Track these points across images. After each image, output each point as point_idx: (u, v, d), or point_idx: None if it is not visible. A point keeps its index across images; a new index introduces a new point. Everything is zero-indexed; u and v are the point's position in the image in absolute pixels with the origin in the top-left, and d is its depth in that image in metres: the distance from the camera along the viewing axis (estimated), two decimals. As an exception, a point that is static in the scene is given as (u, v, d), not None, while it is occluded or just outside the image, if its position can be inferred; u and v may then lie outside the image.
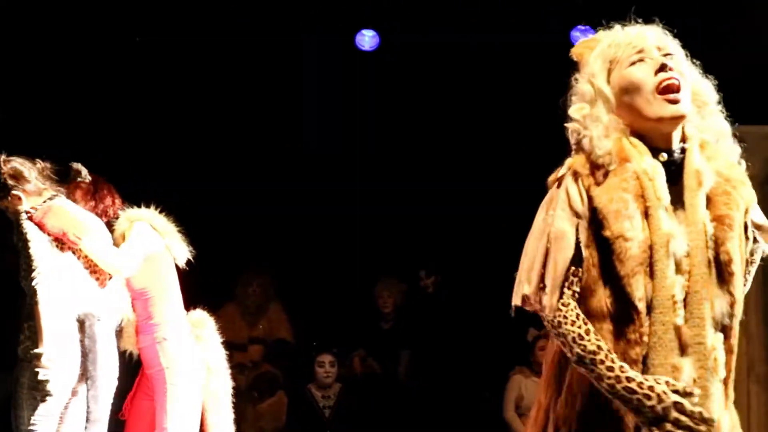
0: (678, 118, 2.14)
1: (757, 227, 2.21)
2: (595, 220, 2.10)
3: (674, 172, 2.14)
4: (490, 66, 6.42)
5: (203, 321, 4.27)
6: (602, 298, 2.08)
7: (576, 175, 2.14)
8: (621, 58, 2.18)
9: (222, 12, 6.13)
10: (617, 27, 2.26)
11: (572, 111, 2.20)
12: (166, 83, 6.51)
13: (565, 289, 2.08)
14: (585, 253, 2.10)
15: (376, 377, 6.63)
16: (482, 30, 6.20)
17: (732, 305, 2.09)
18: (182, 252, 4.21)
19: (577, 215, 2.11)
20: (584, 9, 5.89)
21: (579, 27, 6.09)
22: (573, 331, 2.04)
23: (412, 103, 6.71)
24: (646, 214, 2.08)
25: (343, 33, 6.45)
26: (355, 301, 6.87)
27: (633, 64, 2.16)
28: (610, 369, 2.00)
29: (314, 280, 6.98)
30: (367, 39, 6.49)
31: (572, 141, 2.21)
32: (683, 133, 2.18)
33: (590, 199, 2.11)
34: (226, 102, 6.69)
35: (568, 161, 2.19)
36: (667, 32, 2.25)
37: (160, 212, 4.25)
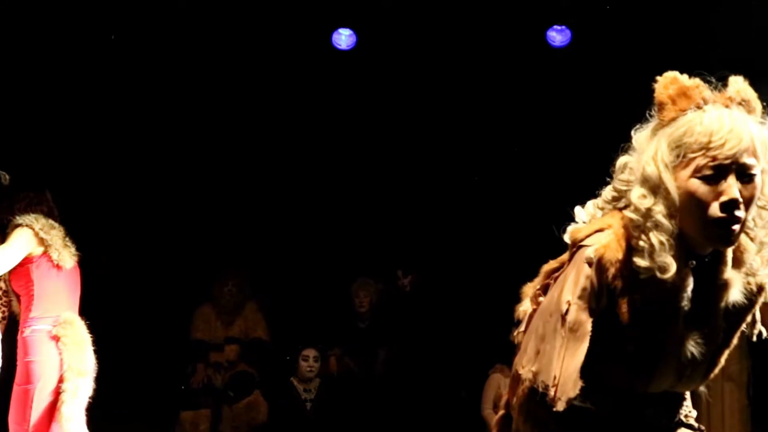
0: (726, 247, 2.04)
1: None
2: (613, 315, 2.02)
3: (707, 275, 2.06)
4: (467, 64, 6.43)
5: (70, 323, 4.48)
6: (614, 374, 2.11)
7: (601, 265, 2.01)
8: (696, 161, 1.95)
9: (195, 11, 6.10)
10: (702, 85, 2.04)
11: (635, 197, 2.01)
12: (142, 82, 6.47)
13: (579, 381, 2.01)
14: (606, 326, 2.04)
15: (352, 376, 6.64)
16: (459, 29, 6.20)
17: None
18: (67, 258, 4.55)
19: (595, 308, 2.01)
20: (567, 9, 5.90)
21: (555, 27, 6.11)
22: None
23: (389, 102, 6.71)
24: (666, 320, 2.03)
25: (320, 32, 6.44)
26: (332, 300, 6.86)
27: (701, 174, 1.95)
28: None
29: (291, 279, 6.97)
30: (343, 38, 6.47)
31: (629, 227, 2.04)
32: None
33: (613, 292, 2.01)
34: (206, 100, 6.66)
35: (600, 238, 2.03)
36: (759, 109, 2.04)
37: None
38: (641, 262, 1.97)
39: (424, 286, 6.82)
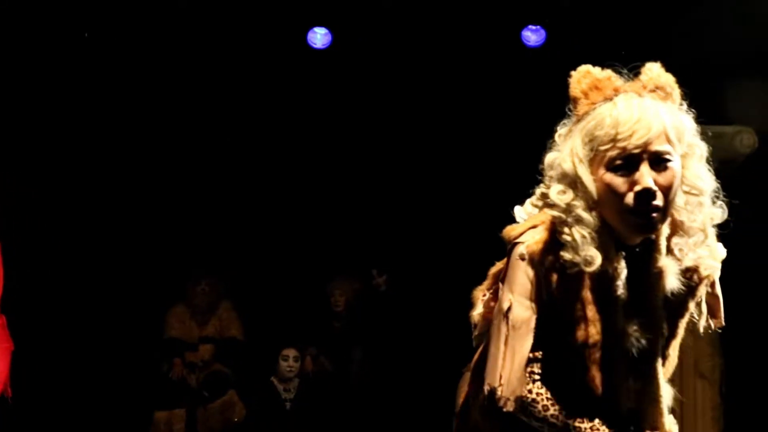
0: (647, 235, 2.04)
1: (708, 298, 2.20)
2: (554, 308, 2.04)
3: (640, 266, 2.06)
4: (442, 64, 6.44)
5: None
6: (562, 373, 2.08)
7: (534, 260, 2.04)
8: (607, 153, 1.97)
9: (170, 10, 6.06)
10: (614, 77, 2.06)
11: (554, 193, 2.04)
12: (111, 81, 6.42)
13: (525, 377, 2.05)
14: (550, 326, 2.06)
15: (328, 375, 6.63)
16: (435, 28, 6.21)
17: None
18: None
19: (537, 303, 2.04)
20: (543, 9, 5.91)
21: (530, 27, 6.12)
22: (541, 413, 2.04)
23: (364, 102, 6.71)
24: (604, 312, 2.03)
25: (295, 31, 6.42)
26: (308, 299, 6.85)
27: (617, 168, 1.97)
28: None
29: (267, 278, 6.96)
30: (319, 37, 6.46)
31: (552, 209, 2.06)
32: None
33: (549, 285, 2.04)
34: (180, 99, 6.62)
35: (533, 234, 2.06)
36: (675, 96, 2.06)
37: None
38: (567, 255, 1.99)
39: (400, 285, 6.82)
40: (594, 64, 2.08)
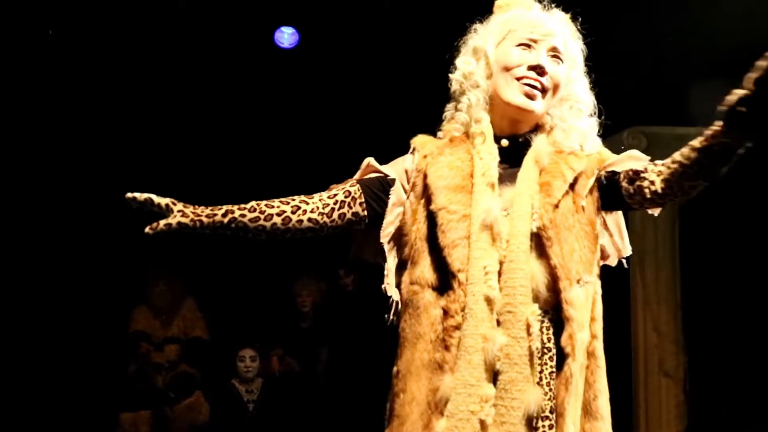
0: (526, 111, 2.25)
1: (624, 174, 2.22)
2: (426, 195, 2.24)
3: (520, 156, 2.25)
4: (409, 62, 6.44)
5: None
6: (426, 268, 2.20)
7: (414, 152, 2.37)
8: (515, 34, 2.28)
9: (135, 7, 6.02)
10: (536, 6, 2.35)
11: (459, 61, 2.36)
12: (79, 79, 6.37)
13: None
14: (412, 227, 2.25)
15: (295, 376, 6.62)
16: (401, 26, 6.22)
17: (551, 274, 2.11)
18: None
19: (403, 192, 2.32)
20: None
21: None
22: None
23: (331, 101, 6.70)
24: (472, 192, 2.19)
25: (262, 30, 6.40)
26: (274, 299, 6.83)
27: (519, 45, 2.27)
28: None
29: (233, 278, 6.93)
30: (286, 36, 6.45)
31: (451, 89, 2.37)
32: (538, 126, 2.30)
33: (424, 175, 2.27)
34: (143, 97, 6.58)
35: (419, 139, 2.42)
36: (575, 30, 2.35)
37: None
38: (461, 116, 2.32)
39: (367, 285, 6.82)
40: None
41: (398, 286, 2.36)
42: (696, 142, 2.07)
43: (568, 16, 2.38)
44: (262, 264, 6.89)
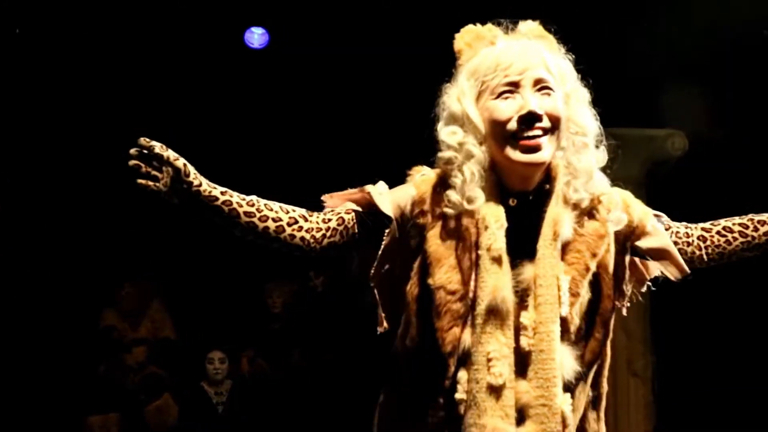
0: (534, 166, 2.00)
1: (651, 252, 2.10)
2: (423, 259, 2.02)
3: (533, 216, 2.02)
4: (379, 63, 6.44)
5: None
6: (418, 336, 2.04)
7: (413, 198, 2.07)
8: (490, 83, 2.01)
9: (105, 6, 5.98)
10: (499, 33, 2.11)
11: (444, 134, 2.05)
12: (52, 78, 6.31)
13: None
14: (406, 286, 2.05)
15: (265, 377, 6.59)
16: (371, 27, 6.22)
17: (582, 363, 2.00)
18: None
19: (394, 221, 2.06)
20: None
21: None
22: None
23: (301, 101, 6.68)
24: (477, 265, 1.97)
25: (232, 30, 6.37)
26: (244, 301, 6.80)
27: (501, 95, 2.00)
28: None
29: (203, 279, 6.90)
30: (256, 37, 6.43)
31: (440, 164, 2.08)
32: (550, 171, 2.05)
33: (422, 236, 2.03)
34: (112, 98, 6.53)
35: (419, 184, 2.10)
36: (554, 46, 2.10)
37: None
38: (453, 195, 2.00)
39: (337, 287, 6.81)
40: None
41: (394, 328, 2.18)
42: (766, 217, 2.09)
43: (537, 27, 2.13)
44: (232, 265, 6.86)
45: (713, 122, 6.14)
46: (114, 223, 6.76)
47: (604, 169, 2.11)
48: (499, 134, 1.98)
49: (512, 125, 1.97)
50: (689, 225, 2.16)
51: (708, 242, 2.12)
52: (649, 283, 2.16)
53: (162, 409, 6.39)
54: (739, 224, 2.12)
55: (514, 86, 1.98)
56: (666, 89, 5.78)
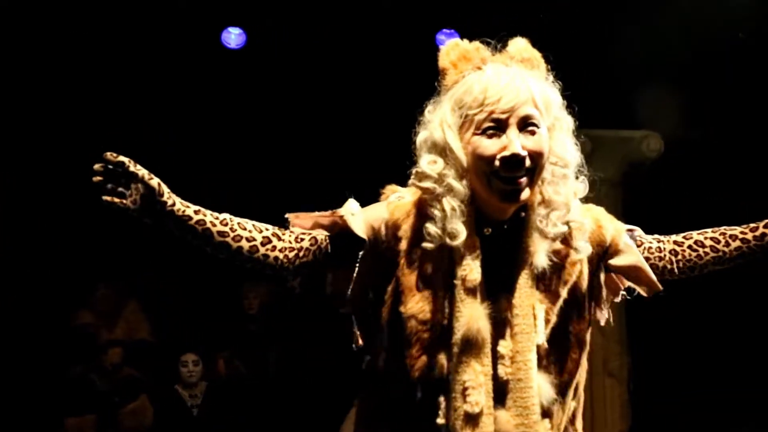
0: (512, 205, 1.99)
1: (623, 270, 2.11)
2: (396, 286, 2.02)
3: (508, 245, 2.01)
4: (355, 63, 6.44)
5: None
6: (388, 358, 2.05)
7: (387, 220, 2.06)
8: (476, 117, 1.95)
9: (84, 8, 5.94)
10: (487, 55, 2.05)
11: (425, 163, 2.01)
12: (23, 79, 6.26)
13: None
14: (380, 308, 2.06)
15: (242, 378, 6.57)
16: (347, 28, 6.21)
17: (558, 387, 2.02)
18: None
19: (368, 241, 2.04)
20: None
21: (444, 30, 6.17)
22: None
23: (278, 101, 6.67)
24: (451, 294, 1.97)
25: (209, 30, 6.35)
26: (221, 301, 6.78)
27: (484, 132, 1.95)
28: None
29: (180, 280, 6.86)
30: (233, 37, 6.41)
31: (416, 185, 2.05)
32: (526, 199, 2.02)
33: (395, 262, 2.02)
34: (91, 98, 6.48)
35: (393, 208, 2.08)
36: (542, 71, 2.04)
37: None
38: (432, 228, 1.97)
39: (314, 287, 6.79)
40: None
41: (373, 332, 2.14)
42: (741, 233, 2.10)
43: (525, 47, 2.06)
44: (208, 266, 6.83)
45: (689, 124, 6.18)
46: (88, 223, 6.70)
47: (582, 171, 2.11)
48: (481, 171, 1.95)
49: (495, 164, 1.93)
50: (661, 238, 2.16)
51: (680, 256, 2.12)
52: (624, 292, 2.18)
53: (138, 411, 6.35)
54: (711, 238, 2.11)
55: (499, 123, 1.94)
56: (642, 91, 5.82)
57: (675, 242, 2.13)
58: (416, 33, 6.20)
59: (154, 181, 1.99)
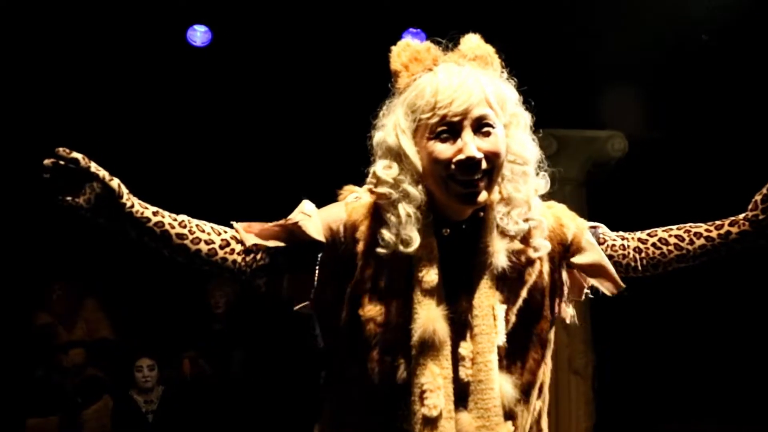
0: (470, 207, 1.96)
1: (585, 268, 2.10)
2: (354, 287, 2.00)
3: (466, 245, 1.99)
4: (323, 61, 6.43)
5: None
6: (348, 362, 2.03)
7: (344, 221, 2.03)
8: (428, 122, 1.92)
9: (49, 6, 5.88)
10: (439, 55, 2.02)
11: (379, 169, 1.98)
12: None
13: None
14: (338, 310, 2.02)
15: (206, 378, 6.53)
16: (315, 25, 6.20)
17: (521, 388, 2.00)
18: None
19: (326, 243, 2.01)
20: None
21: (411, 30, 6.18)
22: None
23: (244, 100, 6.65)
24: (409, 297, 1.95)
25: (175, 28, 6.31)
26: (187, 301, 6.74)
27: (438, 136, 1.92)
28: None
29: (145, 280, 6.81)
30: (198, 35, 6.37)
31: (373, 190, 2.02)
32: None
33: (353, 264, 1.99)
34: (53, 96, 6.42)
35: (351, 210, 2.04)
36: (496, 68, 2.01)
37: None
38: (387, 234, 1.95)
39: (280, 287, 6.77)
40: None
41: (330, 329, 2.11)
42: (705, 231, 2.07)
43: (478, 44, 2.03)
44: (173, 265, 6.77)
45: (653, 124, 6.24)
46: (40, 221, 6.63)
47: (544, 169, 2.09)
48: (438, 175, 1.92)
49: (451, 167, 1.90)
50: (626, 235, 2.13)
51: (643, 254, 2.10)
52: (588, 290, 2.16)
53: (101, 411, 6.29)
54: (675, 236, 2.08)
55: (453, 127, 1.90)
56: (606, 91, 5.86)
57: (639, 239, 2.11)
58: (383, 32, 6.20)
59: (114, 183, 1.93)
